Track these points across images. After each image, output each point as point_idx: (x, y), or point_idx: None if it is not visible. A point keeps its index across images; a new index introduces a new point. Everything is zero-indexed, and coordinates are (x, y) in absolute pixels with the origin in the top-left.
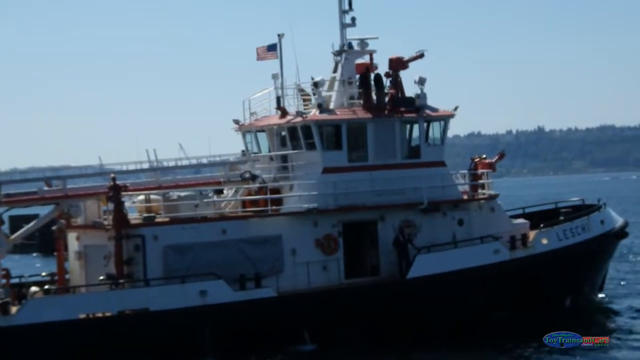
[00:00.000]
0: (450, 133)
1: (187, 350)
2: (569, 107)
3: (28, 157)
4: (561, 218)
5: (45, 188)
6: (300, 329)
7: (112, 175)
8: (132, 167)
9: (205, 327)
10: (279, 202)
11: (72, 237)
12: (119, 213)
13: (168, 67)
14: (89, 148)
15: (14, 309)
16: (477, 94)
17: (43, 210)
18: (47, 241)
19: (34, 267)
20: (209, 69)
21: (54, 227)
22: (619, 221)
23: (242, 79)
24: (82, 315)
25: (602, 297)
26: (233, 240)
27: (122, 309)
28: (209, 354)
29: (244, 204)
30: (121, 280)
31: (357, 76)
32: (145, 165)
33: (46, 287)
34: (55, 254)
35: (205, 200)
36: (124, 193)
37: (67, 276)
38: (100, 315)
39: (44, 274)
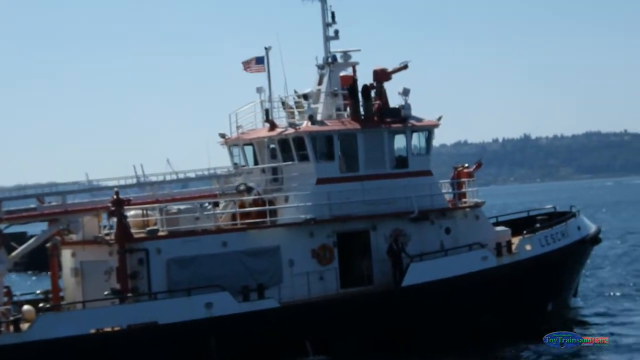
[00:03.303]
0: (436, 142)
1: None
2: (555, 115)
3: (14, 175)
4: (537, 225)
5: (40, 205)
6: (303, 339)
7: (116, 189)
8: (129, 181)
9: (211, 338)
10: (272, 214)
11: (66, 253)
12: (123, 227)
13: (154, 81)
14: (74, 166)
15: (24, 326)
16: (463, 103)
17: (30, 228)
18: (35, 259)
19: (24, 285)
20: (195, 84)
21: (47, 245)
22: (592, 227)
23: (228, 93)
24: (93, 330)
25: (577, 302)
26: (233, 252)
27: (132, 323)
28: None
29: (238, 216)
30: (128, 295)
31: (342, 88)
32: (134, 180)
33: (40, 305)
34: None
35: (205, 213)
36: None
37: (61, 294)
38: (109, 329)
39: (38, 291)
